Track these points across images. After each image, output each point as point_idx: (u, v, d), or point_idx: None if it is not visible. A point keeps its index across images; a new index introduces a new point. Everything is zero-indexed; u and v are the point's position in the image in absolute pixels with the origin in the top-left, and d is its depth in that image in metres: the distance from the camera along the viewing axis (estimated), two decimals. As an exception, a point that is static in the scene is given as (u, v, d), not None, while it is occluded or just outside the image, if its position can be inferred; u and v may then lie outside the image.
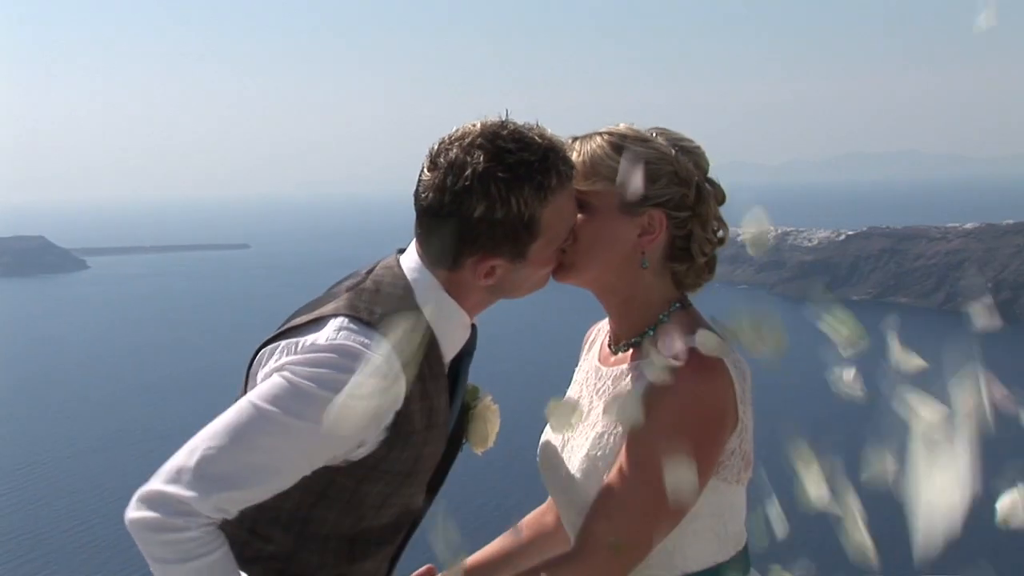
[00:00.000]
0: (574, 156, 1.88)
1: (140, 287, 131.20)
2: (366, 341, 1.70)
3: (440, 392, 1.83)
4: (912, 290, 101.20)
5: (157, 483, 1.65)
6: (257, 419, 1.67)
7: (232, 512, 1.68)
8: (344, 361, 1.68)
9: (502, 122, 1.78)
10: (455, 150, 1.74)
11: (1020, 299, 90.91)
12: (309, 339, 1.73)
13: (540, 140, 1.77)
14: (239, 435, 1.66)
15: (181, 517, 1.63)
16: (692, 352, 1.78)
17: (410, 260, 1.84)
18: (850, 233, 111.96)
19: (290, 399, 1.67)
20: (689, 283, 1.95)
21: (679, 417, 1.74)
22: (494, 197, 1.72)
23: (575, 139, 1.92)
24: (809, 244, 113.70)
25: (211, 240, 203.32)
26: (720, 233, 1.95)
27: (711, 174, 1.95)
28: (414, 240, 1.86)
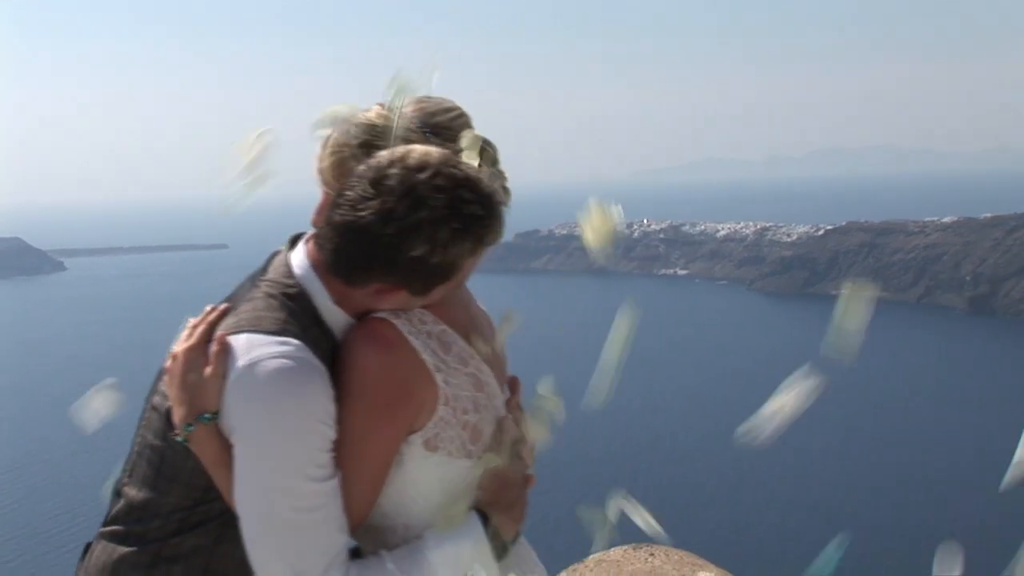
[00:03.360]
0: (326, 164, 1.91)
1: (119, 288, 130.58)
2: (284, 349, 1.68)
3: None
4: (891, 284, 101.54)
5: None
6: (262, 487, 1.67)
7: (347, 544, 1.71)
8: (272, 378, 1.65)
9: (451, 157, 1.73)
10: (412, 178, 1.67)
11: (998, 292, 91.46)
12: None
13: (491, 193, 1.73)
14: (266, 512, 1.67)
15: None
16: (361, 325, 1.77)
17: (301, 263, 1.80)
18: (829, 228, 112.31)
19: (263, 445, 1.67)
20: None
21: (349, 385, 1.72)
22: (438, 244, 1.67)
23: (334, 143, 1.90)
24: (788, 239, 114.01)
25: (190, 241, 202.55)
26: None
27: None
28: (308, 241, 1.81)
